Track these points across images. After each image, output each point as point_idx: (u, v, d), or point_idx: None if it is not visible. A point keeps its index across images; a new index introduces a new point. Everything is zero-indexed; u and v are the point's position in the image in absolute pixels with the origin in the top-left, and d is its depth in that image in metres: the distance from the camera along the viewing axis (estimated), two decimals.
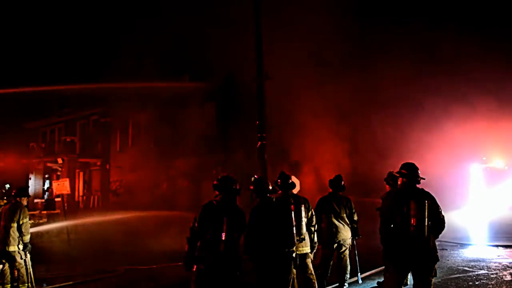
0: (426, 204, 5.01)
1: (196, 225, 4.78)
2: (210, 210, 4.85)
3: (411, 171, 5.24)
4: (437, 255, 5.06)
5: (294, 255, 5.19)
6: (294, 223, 5.40)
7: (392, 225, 5.14)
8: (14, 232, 7.28)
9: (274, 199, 5.46)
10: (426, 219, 4.98)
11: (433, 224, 5.03)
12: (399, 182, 7.10)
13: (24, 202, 7.64)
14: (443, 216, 5.13)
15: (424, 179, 5.25)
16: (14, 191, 7.75)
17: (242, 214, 5.00)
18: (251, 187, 5.46)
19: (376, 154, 13.73)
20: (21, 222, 7.30)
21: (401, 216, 5.04)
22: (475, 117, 13.16)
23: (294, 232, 5.33)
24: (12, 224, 7.28)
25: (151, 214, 15.88)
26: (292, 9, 14.08)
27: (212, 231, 4.74)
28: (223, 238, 4.71)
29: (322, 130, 14.62)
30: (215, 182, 5.03)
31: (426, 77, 14.40)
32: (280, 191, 6.21)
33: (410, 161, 5.45)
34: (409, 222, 4.98)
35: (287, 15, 13.95)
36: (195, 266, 4.72)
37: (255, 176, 5.59)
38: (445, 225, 5.14)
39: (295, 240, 5.34)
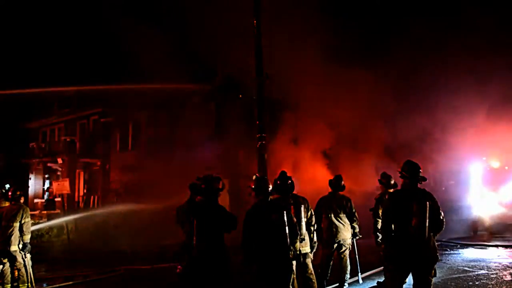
0: (428, 205, 5.00)
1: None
2: (180, 212, 4.86)
3: (412, 172, 5.17)
4: (437, 255, 5.06)
5: (292, 254, 5.12)
6: (286, 224, 5.21)
7: (392, 225, 5.13)
8: (16, 232, 7.30)
9: (270, 200, 5.37)
10: (427, 220, 4.96)
11: (433, 224, 5.02)
12: (391, 182, 7.19)
13: (21, 201, 7.65)
14: (443, 217, 5.12)
15: (425, 180, 5.18)
16: (15, 190, 7.74)
17: (221, 213, 4.75)
18: (251, 185, 5.33)
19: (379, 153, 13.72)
20: (23, 222, 7.33)
21: (402, 217, 5.02)
22: (475, 116, 13.15)
23: (287, 232, 5.17)
24: (14, 224, 7.31)
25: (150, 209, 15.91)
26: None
27: (187, 234, 4.65)
28: (194, 243, 4.57)
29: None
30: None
31: (428, 72, 14.32)
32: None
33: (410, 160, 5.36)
34: (410, 223, 4.96)
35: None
36: (179, 267, 4.65)
37: (257, 174, 5.51)
38: (444, 225, 5.14)
39: (288, 241, 5.17)
